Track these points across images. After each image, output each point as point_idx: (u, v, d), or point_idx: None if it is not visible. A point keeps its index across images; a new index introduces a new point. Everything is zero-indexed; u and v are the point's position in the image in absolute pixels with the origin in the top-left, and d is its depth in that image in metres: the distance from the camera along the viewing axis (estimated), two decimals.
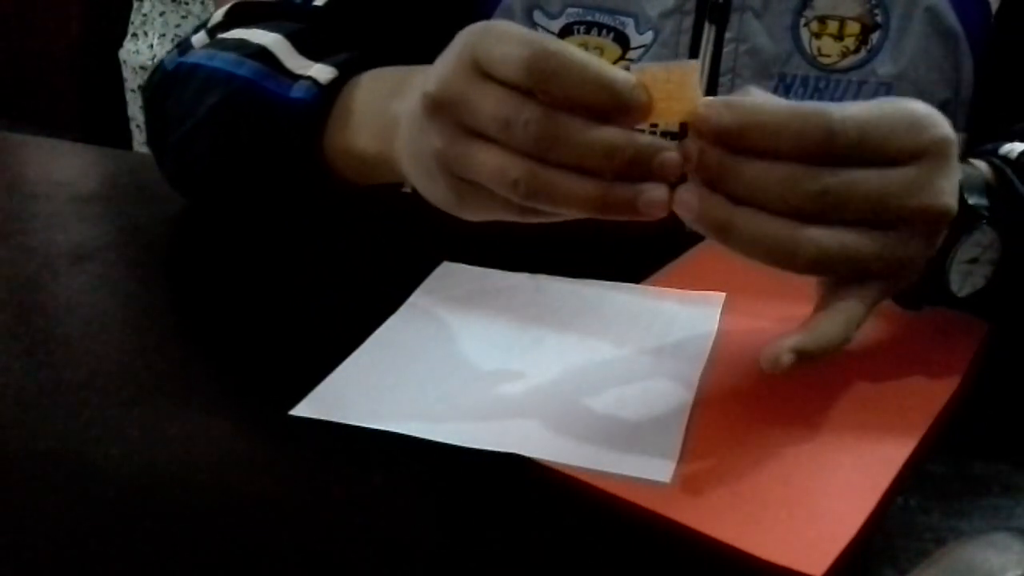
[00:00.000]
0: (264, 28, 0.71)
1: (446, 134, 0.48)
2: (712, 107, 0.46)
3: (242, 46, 0.69)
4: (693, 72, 0.46)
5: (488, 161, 0.46)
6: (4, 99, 2.10)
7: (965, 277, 0.53)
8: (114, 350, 0.58)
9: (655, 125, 0.52)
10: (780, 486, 0.45)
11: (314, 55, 0.67)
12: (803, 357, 0.46)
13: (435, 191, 0.51)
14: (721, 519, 0.43)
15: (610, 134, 0.45)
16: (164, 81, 0.76)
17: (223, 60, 0.69)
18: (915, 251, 0.48)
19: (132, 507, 0.46)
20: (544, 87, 0.45)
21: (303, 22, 0.79)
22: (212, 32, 0.78)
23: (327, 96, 0.65)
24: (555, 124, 0.45)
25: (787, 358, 0.46)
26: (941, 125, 0.47)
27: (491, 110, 0.46)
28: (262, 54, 0.68)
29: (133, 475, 0.47)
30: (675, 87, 0.46)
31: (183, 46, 0.78)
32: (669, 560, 0.42)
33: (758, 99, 0.47)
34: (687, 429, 0.48)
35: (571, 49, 0.45)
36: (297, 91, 0.65)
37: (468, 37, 0.48)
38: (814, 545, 0.41)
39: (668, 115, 0.47)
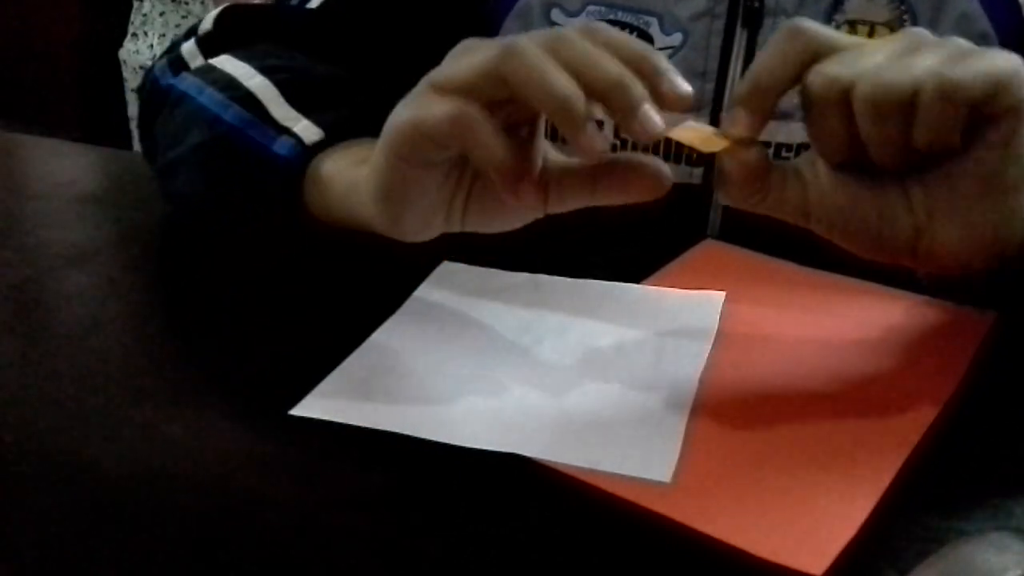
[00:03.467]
0: (254, 65, 0.70)
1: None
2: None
3: (231, 86, 0.69)
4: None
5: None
6: (4, 99, 2.10)
7: None
8: (114, 350, 0.58)
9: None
10: (780, 486, 0.45)
11: (302, 106, 0.66)
12: None
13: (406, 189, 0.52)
14: (721, 519, 0.43)
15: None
16: (155, 95, 0.76)
17: (211, 99, 0.69)
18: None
19: (132, 507, 0.46)
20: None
21: (296, 27, 0.78)
22: (202, 42, 0.78)
23: (309, 156, 0.64)
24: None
25: None
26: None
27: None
28: (249, 99, 0.67)
29: (133, 475, 0.47)
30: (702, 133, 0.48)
31: (173, 55, 0.78)
32: (669, 560, 0.42)
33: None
34: (687, 429, 0.48)
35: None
36: (281, 147, 0.64)
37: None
38: (814, 544, 0.41)
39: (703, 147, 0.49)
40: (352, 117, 0.65)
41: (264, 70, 0.70)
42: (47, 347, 0.58)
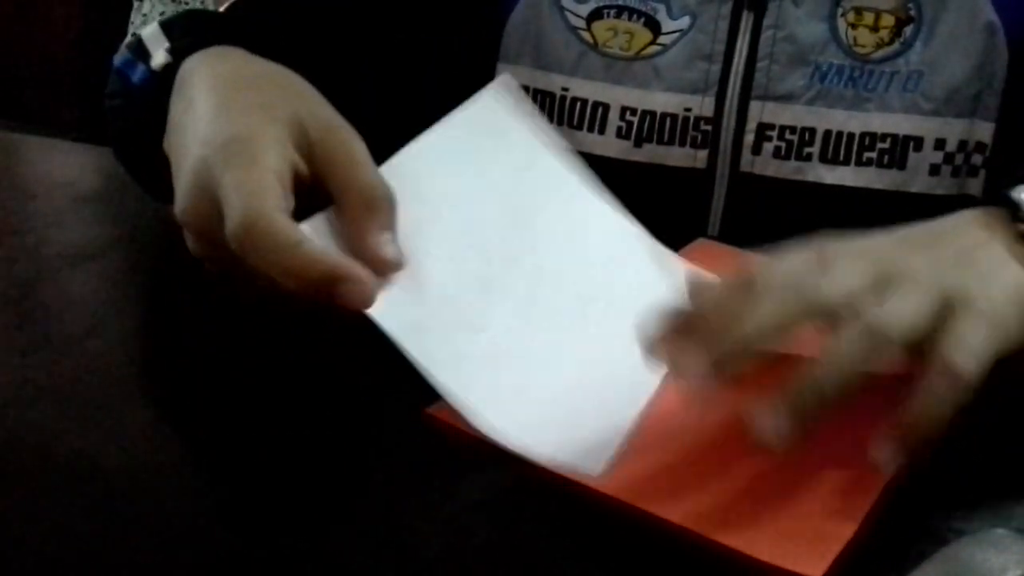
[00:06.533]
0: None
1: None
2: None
3: (136, 43, 0.68)
4: None
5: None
6: (4, 99, 2.09)
7: None
8: (114, 350, 0.58)
9: None
10: (778, 488, 0.45)
11: (172, 35, 0.65)
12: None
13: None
14: (720, 522, 0.43)
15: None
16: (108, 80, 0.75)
17: (118, 57, 0.68)
18: None
19: (132, 507, 0.46)
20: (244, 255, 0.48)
21: (279, 24, 0.77)
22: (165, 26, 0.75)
23: (164, 80, 0.61)
24: None
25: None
26: None
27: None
28: (137, 43, 0.66)
29: (133, 475, 0.47)
30: None
31: (132, 39, 0.76)
32: (669, 561, 0.42)
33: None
34: (686, 428, 0.48)
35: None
36: (136, 74, 0.64)
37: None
38: (813, 545, 0.41)
39: None
40: (204, 37, 0.62)
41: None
42: (47, 347, 0.58)
